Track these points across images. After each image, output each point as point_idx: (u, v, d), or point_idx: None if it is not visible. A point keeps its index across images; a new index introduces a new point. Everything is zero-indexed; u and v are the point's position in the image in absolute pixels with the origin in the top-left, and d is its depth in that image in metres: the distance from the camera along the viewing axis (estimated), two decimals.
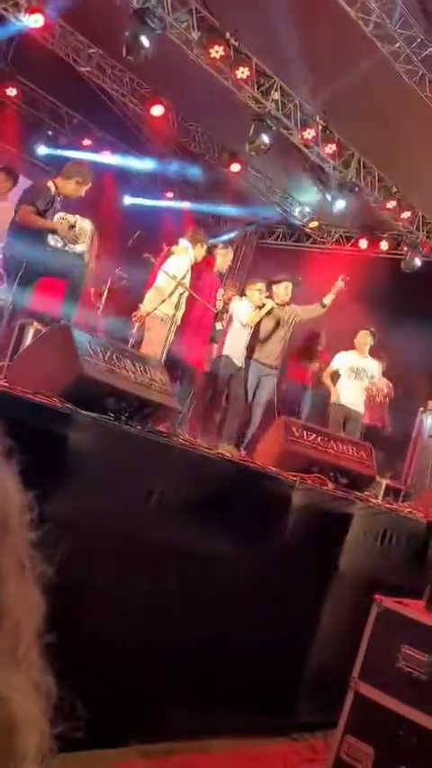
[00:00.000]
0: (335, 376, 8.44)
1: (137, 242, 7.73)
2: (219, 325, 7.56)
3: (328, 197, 10.02)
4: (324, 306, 7.65)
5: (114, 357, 3.35)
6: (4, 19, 8.50)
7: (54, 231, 5.54)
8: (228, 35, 7.66)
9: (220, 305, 7.53)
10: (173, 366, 6.02)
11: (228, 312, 7.54)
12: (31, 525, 0.62)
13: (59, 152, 10.76)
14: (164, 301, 6.46)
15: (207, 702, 3.41)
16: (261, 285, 7.57)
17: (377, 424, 8.92)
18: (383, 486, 7.34)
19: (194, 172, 11.29)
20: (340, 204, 9.68)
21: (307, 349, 8.72)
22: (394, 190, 9.76)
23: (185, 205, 12.04)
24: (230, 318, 7.50)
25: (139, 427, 3.26)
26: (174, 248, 6.75)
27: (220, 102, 8.69)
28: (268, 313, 7.48)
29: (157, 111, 9.38)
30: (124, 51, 7.36)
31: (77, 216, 5.72)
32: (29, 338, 5.25)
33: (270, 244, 12.92)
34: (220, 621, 3.43)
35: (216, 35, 7.62)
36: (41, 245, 5.50)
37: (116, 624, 2.97)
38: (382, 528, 4.24)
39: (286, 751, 3.62)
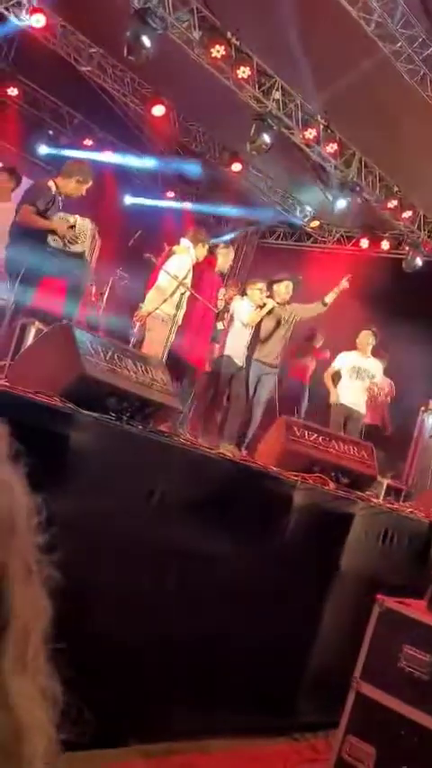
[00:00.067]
0: (336, 377, 8.44)
1: (138, 242, 7.73)
2: (220, 325, 7.57)
3: (330, 196, 10.02)
4: (325, 304, 7.64)
5: (116, 357, 3.35)
6: (6, 18, 8.50)
7: (53, 231, 5.55)
8: (229, 35, 7.66)
9: (221, 304, 7.54)
10: (174, 366, 6.01)
11: (229, 312, 7.55)
12: (38, 529, 0.62)
13: (60, 152, 10.77)
14: (165, 301, 6.45)
15: (207, 702, 3.41)
16: (262, 285, 7.57)
17: (378, 423, 8.92)
18: (385, 486, 7.33)
19: (195, 171, 11.29)
20: (341, 204, 9.68)
21: (302, 345, 8.75)
22: (395, 189, 9.75)
23: (186, 205, 12.04)
24: (231, 318, 7.50)
25: (140, 427, 3.26)
26: (175, 248, 6.75)
27: (222, 102, 8.69)
28: (269, 313, 7.48)
29: (158, 110, 9.38)
30: (125, 51, 7.36)
31: (77, 216, 5.72)
32: (30, 338, 5.26)
33: (271, 243, 12.91)
34: (221, 621, 3.43)
35: (217, 35, 7.62)
36: (42, 245, 5.50)
37: (116, 623, 2.97)
38: (383, 528, 4.24)
39: (287, 751, 3.62)
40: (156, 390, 3.54)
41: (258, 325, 7.50)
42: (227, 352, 7.41)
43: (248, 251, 12.94)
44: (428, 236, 10.41)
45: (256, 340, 7.51)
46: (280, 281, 7.69)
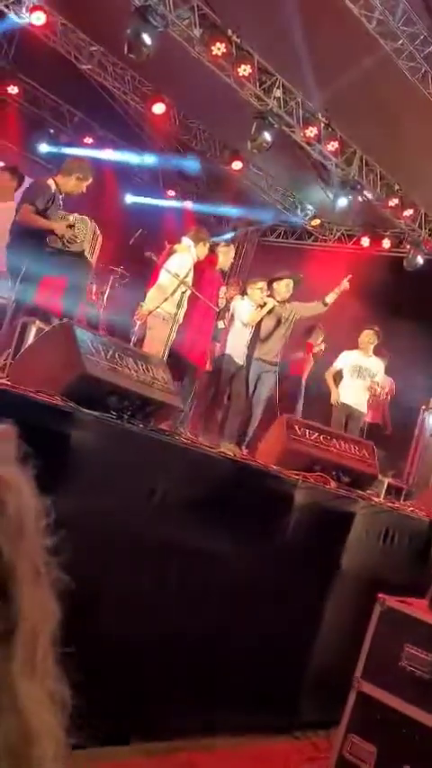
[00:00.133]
0: (337, 376, 8.44)
1: (139, 240, 7.73)
2: (221, 324, 7.57)
3: (330, 195, 10.01)
4: (326, 304, 7.64)
5: (116, 355, 3.35)
6: (6, 16, 8.49)
7: (52, 231, 5.54)
8: (230, 32, 7.65)
9: (222, 303, 7.53)
10: (175, 364, 6.01)
11: (229, 311, 7.55)
12: (46, 531, 0.62)
13: (61, 150, 10.75)
14: (166, 299, 6.45)
15: (209, 701, 3.41)
16: (262, 284, 7.57)
17: (379, 422, 8.92)
18: (385, 485, 7.33)
19: (194, 167, 11.28)
20: (342, 202, 9.67)
21: (298, 340, 8.75)
22: (396, 187, 9.74)
23: (187, 204, 12.04)
24: (232, 317, 7.50)
25: (141, 426, 3.26)
26: (176, 246, 6.74)
27: (222, 100, 8.68)
28: (269, 312, 7.48)
29: (159, 108, 9.37)
30: (126, 49, 7.34)
31: (76, 214, 5.72)
32: (31, 337, 5.25)
33: (272, 241, 12.91)
34: (222, 620, 3.43)
35: (218, 32, 7.61)
36: (41, 244, 5.50)
37: (117, 622, 2.97)
38: (384, 527, 4.24)
39: (289, 749, 3.62)
40: (156, 389, 3.53)
41: (259, 324, 7.50)
42: (227, 350, 7.41)
43: (249, 249, 12.94)
44: (430, 235, 10.40)
45: (257, 339, 7.51)
46: (280, 279, 7.69)
